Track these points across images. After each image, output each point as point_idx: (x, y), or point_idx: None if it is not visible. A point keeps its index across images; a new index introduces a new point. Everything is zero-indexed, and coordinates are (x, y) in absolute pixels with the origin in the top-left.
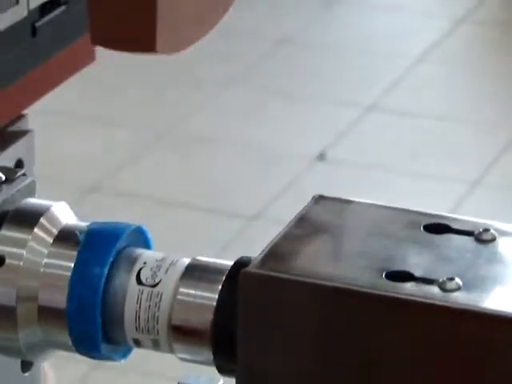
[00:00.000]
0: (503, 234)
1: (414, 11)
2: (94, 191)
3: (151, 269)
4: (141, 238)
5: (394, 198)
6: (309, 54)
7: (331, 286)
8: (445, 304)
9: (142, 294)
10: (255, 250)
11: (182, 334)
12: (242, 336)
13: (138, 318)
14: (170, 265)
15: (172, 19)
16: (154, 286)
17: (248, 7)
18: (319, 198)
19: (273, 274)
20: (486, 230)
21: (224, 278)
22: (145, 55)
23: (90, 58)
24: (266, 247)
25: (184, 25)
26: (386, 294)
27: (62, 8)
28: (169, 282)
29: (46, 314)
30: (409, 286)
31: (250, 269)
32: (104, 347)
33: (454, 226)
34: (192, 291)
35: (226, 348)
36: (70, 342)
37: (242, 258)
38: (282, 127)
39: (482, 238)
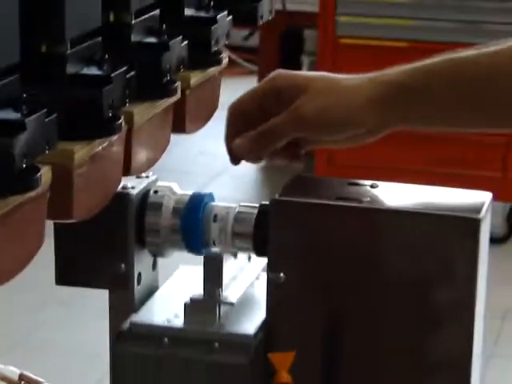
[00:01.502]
0: (383, 185)
1: None
2: None
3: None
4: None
5: None
6: None
7: (323, 203)
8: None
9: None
10: None
11: (238, 237)
12: (272, 243)
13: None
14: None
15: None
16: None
17: None
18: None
19: (292, 199)
20: (376, 184)
21: (259, 205)
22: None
23: None
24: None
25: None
26: (343, 204)
27: None
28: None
29: None
30: (346, 202)
31: (277, 197)
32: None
33: (361, 183)
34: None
35: (261, 249)
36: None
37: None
38: None
39: (373, 186)
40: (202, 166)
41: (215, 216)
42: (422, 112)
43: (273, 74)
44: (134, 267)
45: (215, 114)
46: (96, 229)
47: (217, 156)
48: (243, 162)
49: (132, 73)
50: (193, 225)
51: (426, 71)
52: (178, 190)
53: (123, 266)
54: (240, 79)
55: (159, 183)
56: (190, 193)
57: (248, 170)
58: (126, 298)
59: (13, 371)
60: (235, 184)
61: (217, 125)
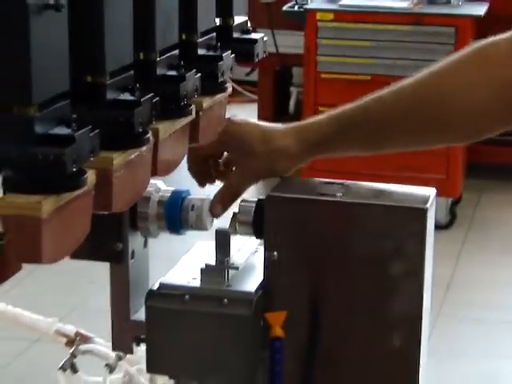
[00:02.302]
0: (351, 184)
1: None
2: None
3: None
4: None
5: None
6: None
7: (307, 198)
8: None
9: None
10: None
11: (242, 225)
12: (267, 230)
13: None
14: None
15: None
16: None
17: None
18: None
19: (283, 195)
20: (346, 183)
21: (257, 199)
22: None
23: None
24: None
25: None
26: (322, 198)
27: None
28: None
29: None
30: (324, 197)
31: (271, 194)
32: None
33: (335, 182)
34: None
35: (259, 233)
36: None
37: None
38: None
39: (344, 184)
40: None
41: (192, 206)
42: (342, 148)
43: (224, 129)
44: (128, 245)
45: None
46: (100, 216)
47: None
48: None
49: (157, 98)
50: (173, 213)
51: (340, 120)
52: (163, 187)
53: (120, 244)
54: (243, 106)
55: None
56: (171, 189)
57: None
58: (122, 269)
59: (70, 329)
60: None
61: None
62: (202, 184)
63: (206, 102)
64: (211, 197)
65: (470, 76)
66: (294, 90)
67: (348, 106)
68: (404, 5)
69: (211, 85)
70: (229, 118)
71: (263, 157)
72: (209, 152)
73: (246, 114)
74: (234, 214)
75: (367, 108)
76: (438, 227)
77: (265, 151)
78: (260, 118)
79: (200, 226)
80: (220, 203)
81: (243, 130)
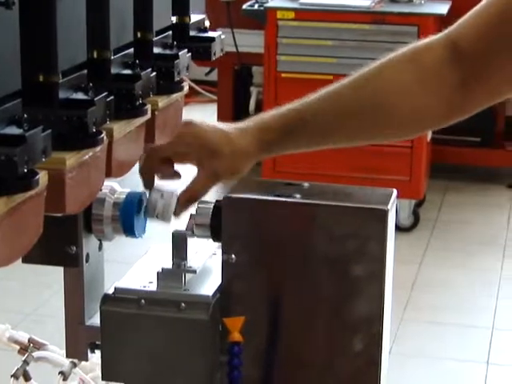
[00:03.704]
0: (312, 185)
1: None
2: None
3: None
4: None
5: None
6: None
7: (264, 199)
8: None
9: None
10: None
11: (199, 227)
12: (225, 232)
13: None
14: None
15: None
16: None
17: None
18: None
19: (240, 196)
20: (306, 185)
21: (215, 201)
22: None
23: None
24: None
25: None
26: (279, 199)
27: None
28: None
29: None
30: (283, 198)
31: (228, 195)
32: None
33: (295, 183)
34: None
35: (216, 234)
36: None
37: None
38: None
39: (304, 185)
40: None
41: (162, 194)
42: (294, 145)
43: (186, 130)
44: (82, 249)
45: None
46: (54, 218)
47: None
48: None
49: (111, 97)
50: (129, 215)
51: (299, 112)
52: (118, 188)
53: (74, 247)
54: (203, 106)
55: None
56: (127, 190)
57: None
58: (77, 273)
59: (23, 336)
60: None
61: None
62: (149, 186)
63: (162, 101)
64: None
65: (406, 76)
66: (254, 90)
67: (295, 104)
68: (366, 3)
69: (167, 84)
70: (188, 120)
71: (227, 158)
72: (168, 152)
73: (205, 114)
74: (192, 215)
75: (313, 107)
76: (402, 230)
77: (228, 152)
78: (220, 118)
79: (165, 216)
80: (181, 204)
81: (206, 131)
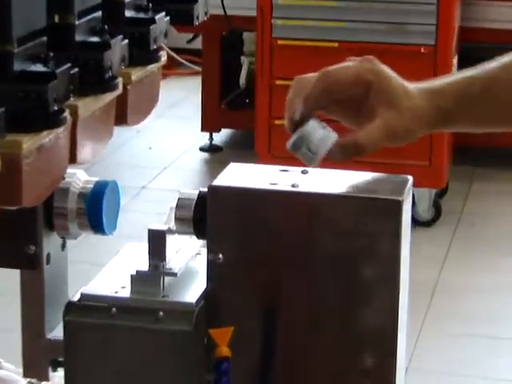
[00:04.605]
0: (313, 171)
1: None
2: None
3: None
4: None
5: None
6: None
7: (256, 188)
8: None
9: None
10: None
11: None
12: (210, 228)
13: None
14: None
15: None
16: None
17: None
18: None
19: (228, 185)
20: (306, 171)
21: (198, 191)
22: None
23: None
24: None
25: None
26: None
27: None
28: None
29: None
30: (278, 187)
31: (213, 184)
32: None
33: (292, 170)
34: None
35: (201, 230)
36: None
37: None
38: None
39: (303, 172)
40: (152, 160)
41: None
42: (468, 122)
43: (370, 65)
44: (42, 248)
45: (161, 113)
46: (7, 213)
47: (165, 150)
48: (187, 156)
49: (76, 69)
50: (97, 208)
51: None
52: (84, 177)
53: (33, 247)
54: (185, 79)
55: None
56: (95, 179)
57: (194, 163)
58: (36, 276)
59: None
60: (182, 176)
61: (165, 122)
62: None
63: (136, 73)
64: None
65: None
66: (245, 60)
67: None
68: None
69: (142, 53)
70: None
71: (405, 114)
72: (343, 89)
73: (187, 88)
74: (171, 208)
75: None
76: (420, 224)
77: (406, 108)
78: (205, 93)
79: (316, 152)
80: (340, 149)
81: (389, 73)
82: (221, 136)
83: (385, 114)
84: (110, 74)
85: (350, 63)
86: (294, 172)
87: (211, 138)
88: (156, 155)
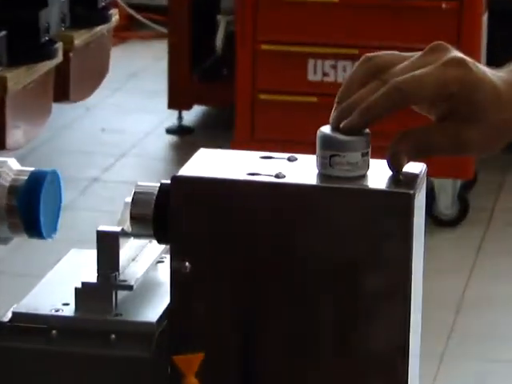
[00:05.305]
0: (303, 158)
1: None
2: None
3: None
4: None
5: None
6: None
7: (231, 179)
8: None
9: None
10: None
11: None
12: (174, 228)
13: None
14: None
15: None
16: None
17: None
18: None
19: (196, 175)
20: (294, 157)
21: (159, 184)
22: None
23: None
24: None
25: None
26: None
27: None
28: None
29: None
30: (259, 178)
31: (178, 174)
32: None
33: (277, 156)
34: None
35: (162, 232)
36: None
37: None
38: None
39: (290, 159)
40: (105, 145)
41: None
42: None
43: (455, 71)
44: None
45: (118, 86)
46: None
47: (122, 133)
48: (150, 140)
49: (3, 32)
50: (33, 206)
51: None
52: (16, 166)
53: None
54: (148, 43)
55: None
56: (30, 169)
57: (158, 148)
58: None
59: None
60: (144, 164)
61: (121, 98)
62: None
63: (80, 37)
64: None
65: None
66: (221, 19)
67: None
68: None
69: (87, 12)
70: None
71: (487, 125)
72: (419, 103)
73: (150, 54)
74: (126, 204)
75: None
76: (443, 224)
77: (492, 116)
78: (172, 60)
79: None
80: (404, 153)
81: (475, 84)
82: (192, 114)
83: (460, 126)
84: (47, 38)
85: (429, 66)
86: (279, 159)
87: (180, 117)
88: (110, 139)
